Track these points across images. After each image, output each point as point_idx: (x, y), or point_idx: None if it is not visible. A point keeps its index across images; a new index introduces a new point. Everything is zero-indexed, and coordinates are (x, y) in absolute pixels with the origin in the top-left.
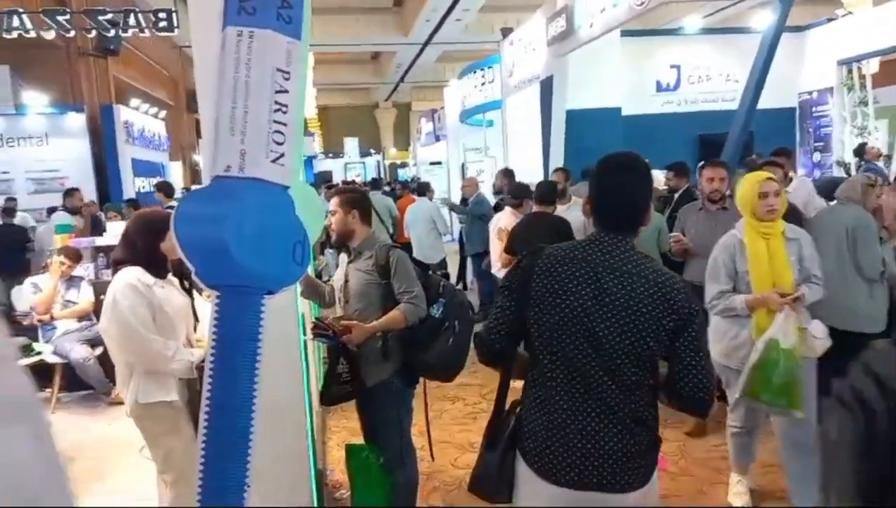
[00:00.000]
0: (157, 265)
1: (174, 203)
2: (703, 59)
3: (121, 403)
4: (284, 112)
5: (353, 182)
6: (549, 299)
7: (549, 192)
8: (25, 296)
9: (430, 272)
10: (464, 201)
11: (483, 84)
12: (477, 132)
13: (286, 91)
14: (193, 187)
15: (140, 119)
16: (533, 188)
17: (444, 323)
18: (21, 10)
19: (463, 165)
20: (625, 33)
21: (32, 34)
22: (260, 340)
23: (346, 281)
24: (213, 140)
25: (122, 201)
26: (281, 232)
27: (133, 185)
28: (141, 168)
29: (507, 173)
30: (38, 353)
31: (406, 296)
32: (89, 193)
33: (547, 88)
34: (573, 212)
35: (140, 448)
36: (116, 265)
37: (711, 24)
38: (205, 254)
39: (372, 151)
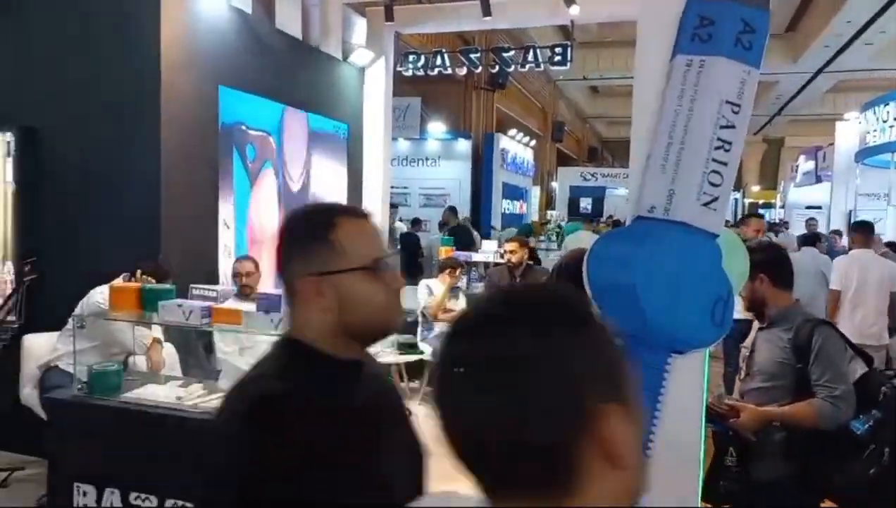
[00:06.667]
0: None
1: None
2: None
3: None
4: (727, 150)
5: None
6: None
7: None
8: (420, 295)
9: (874, 368)
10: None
11: None
12: (877, 175)
13: (732, 126)
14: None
15: (513, 147)
16: None
17: (870, 445)
18: (445, 50)
19: (850, 213)
20: None
21: (449, 70)
22: (659, 403)
23: (752, 351)
24: (639, 177)
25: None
26: (700, 285)
27: (500, 205)
28: (508, 191)
29: None
30: (422, 352)
31: (825, 391)
32: (464, 210)
33: None
34: None
35: None
36: None
37: None
38: (612, 297)
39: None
